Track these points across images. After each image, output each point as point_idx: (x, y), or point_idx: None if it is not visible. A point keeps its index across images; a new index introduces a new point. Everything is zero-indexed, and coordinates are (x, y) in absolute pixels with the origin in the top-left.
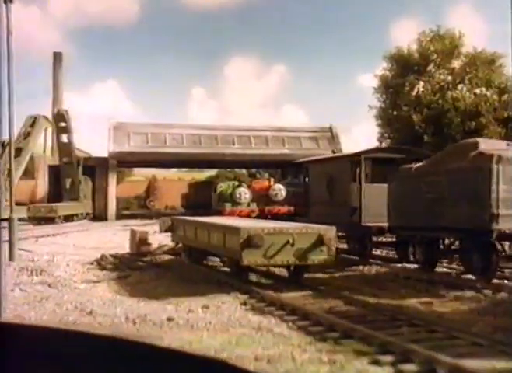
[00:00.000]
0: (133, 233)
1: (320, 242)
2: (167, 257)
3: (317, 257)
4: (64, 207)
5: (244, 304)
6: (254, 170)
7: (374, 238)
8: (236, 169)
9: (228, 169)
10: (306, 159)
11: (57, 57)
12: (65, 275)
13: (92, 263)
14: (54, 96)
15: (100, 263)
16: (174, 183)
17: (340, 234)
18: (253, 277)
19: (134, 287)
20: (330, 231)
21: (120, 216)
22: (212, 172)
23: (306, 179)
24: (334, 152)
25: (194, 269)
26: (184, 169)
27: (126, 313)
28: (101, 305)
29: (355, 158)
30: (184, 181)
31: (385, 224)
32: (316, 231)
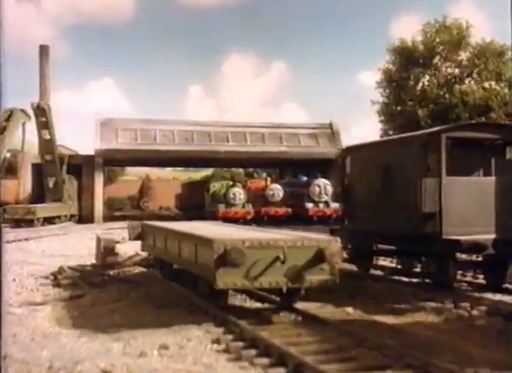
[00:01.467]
0: (98, 241)
1: (319, 257)
2: (138, 270)
3: (316, 277)
4: (44, 209)
5: (217, 342)
6: (251, 169)
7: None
8: (233, 169)
9: (224, 169)
10: (348, 146)
11: (44, 51)
12: (4, 295)
13: (47, 277)
14: (41, 91)
15: (57, 277)
16: (169, 182)
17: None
18: (235, 299)
19: (84, 312)
20: (332, 244)
21: (109, 217)
22: (209, 171)
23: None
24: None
25: (165, 287)
26: (179, 169)
27: (52, 359)
28: (26, 344)
29: (430, 139)
30: (179, 181)
31: (483, 238)
32: (314, 244)
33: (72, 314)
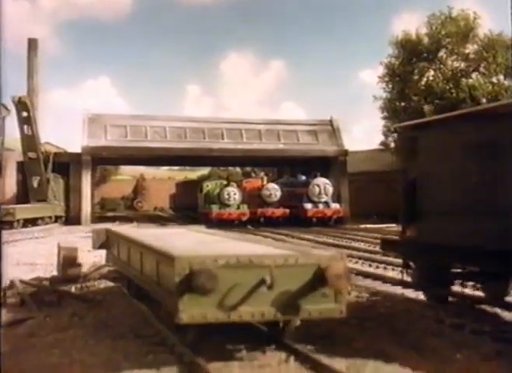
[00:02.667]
0: (59, 249)
1: (320, 279)
2: (104, 284)
3: (316, 307)
4: (25, 210)
5: None
6: (248, 168)
7: None
8: (231, 168)
9: (221, 168)
10: (417, 122)
11: (32, 44)
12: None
13: None
14: (29, 86)
15: (5, 294)
16: (164, 182)
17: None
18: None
19: (16, 346)
20: (337, 262)
21: (99, 218)
22: (205, 170)
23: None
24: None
25: (130, 308)
26: (175, 168)
27: None
28: None
29: None
30: (174, 181)
31: None
32: (312, 262)
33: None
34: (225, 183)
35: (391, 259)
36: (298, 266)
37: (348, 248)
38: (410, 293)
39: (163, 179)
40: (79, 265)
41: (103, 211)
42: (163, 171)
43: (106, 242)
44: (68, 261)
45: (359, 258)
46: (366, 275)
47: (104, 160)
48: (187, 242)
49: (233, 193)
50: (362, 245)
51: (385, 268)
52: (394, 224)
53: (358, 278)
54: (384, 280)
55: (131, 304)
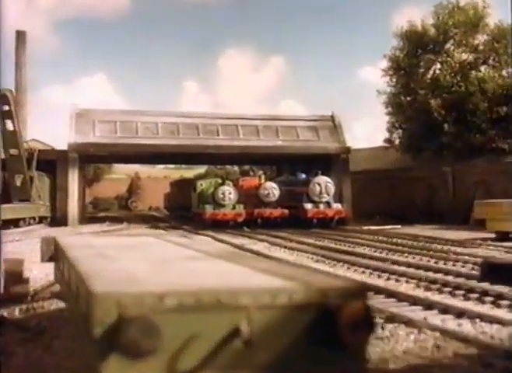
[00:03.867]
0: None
1: (328, 327)
2: (56, 305)
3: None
4: (5, 210)
5: None
6: (247, 167)
7: None
8: (228, 166)
9: (218, 166)
10: None
11: (21, 37)
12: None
13: None
14: (17, 79)
15: None
16: (159, 181)
17: None
18: None
19: None
20: (356, 299)
21: (89, 219)
22: (202, 169)
23: None
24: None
25: (74, 344)
26: (171, 166)
27: None
28: None
29: None
30: (169, 179)
31: None
32: (316, 298)
33: None
34: (220, 181)
35: (402, 268)
36: (292, 308)
37: (352, 254)
38: (440, 319)
39: (159, 178)
40: (26, 281)
41: (96, 211)
42: (159, 169)
43: (55, 254)
44: (12, 276)
45: (367, 267)
46: (377, 290)
47: (94, 158)
48: (137, 263)
49: (228, 193)
50: (367, 251)
51: (397, 280)
52: (398, 225)
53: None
54: (399, 298)
55: (77, 336)
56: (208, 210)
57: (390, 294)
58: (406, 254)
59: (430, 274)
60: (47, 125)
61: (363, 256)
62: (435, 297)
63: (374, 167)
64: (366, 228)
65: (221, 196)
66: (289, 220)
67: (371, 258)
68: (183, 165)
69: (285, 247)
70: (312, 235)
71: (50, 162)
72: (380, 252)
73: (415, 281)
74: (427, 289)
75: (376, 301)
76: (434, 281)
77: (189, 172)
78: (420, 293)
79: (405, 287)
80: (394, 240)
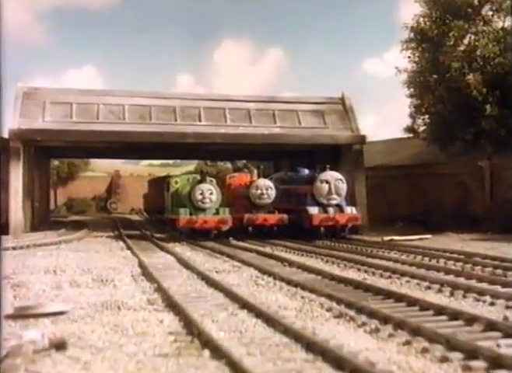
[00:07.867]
0: None
1: None
2: None
3: None
4: None
5: None
6: (243, 162)
7: None
8: (221, 163)
9: (208, 162)
10: None
11: None
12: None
13: None
14: None
15: None
16: (143, 180)
17: None
18: None
19: None
20: None
21: (50, 224)
22: (191, 166)
23: None
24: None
25: None
26: (156, 163)
27: None
28: None
29: None
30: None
31: None
32: None
33: None
34: (198, 178)
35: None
36: None
37: (398, 298)
38: None
39: (142, 177)
40: None
41: (69, 214)
42: (143, 167)
43: None
44: None
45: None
46: None
47: (60, 150)
48: None
49: (210, 193)
50: (420, 292)
51: None
52: (427, 235)
53: None
54: None
55: None
56: (183, 215)
57: None
58: (484, 298)
59: None
60: None
61: (418, 303)
62: None
63: (390, 162)
64: (387, 238)
65: (199, 197)
66: (289, 228)
67: (437, 312)
68: (170, 162)
69: (283, 280)
70: (320, 252)
71: None
72: (445, 294)
73: None
74: None
75: None
76: None
77: (178, 169)
78: None
79: None
80: (443, 264)
